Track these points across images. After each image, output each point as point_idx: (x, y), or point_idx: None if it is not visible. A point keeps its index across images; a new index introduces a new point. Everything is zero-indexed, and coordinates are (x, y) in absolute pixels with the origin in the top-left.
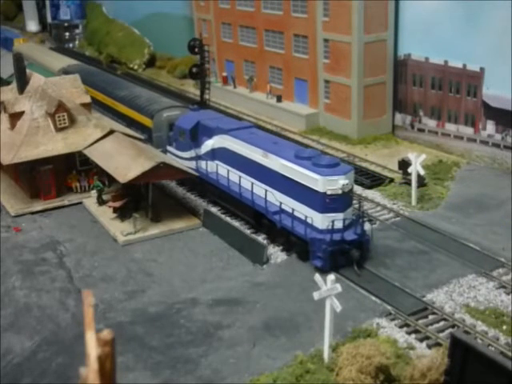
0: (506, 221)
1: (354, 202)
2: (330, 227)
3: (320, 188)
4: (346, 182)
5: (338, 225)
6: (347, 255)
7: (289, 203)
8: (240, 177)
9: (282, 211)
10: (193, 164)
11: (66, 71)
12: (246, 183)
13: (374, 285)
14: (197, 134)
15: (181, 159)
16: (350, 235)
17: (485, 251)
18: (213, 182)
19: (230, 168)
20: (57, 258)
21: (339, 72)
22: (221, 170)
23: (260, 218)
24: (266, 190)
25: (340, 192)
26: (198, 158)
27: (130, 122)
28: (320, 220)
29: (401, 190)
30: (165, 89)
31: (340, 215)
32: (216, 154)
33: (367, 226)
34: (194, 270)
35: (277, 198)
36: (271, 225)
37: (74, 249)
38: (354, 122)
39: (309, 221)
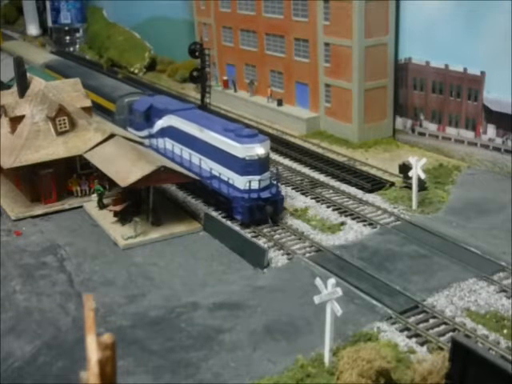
0: (507, 225)
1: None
2: (248, 187)
3: (240, 154)
4: (262, 149)
5: (255, 185)
6: (263, 210)
7: (217, 169)
8: (182, 149)
9: (212, 176)
10: (147, 142)
11: (47, 65)
12: (186, 154)
13: (375, 289)
14: (150, 116)
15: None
16: (265, 194)
17: (485, 255)
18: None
19: (174, 143)
20: (57, 261)
21: (340, 76)
22: (168, 145)
23: (197, 183)
24: (200, 159)
25: (256, 158)
26: (151, 136)
27: (98, 107)
28: (240, 181)
29: (401, 194)
30: (165, 92)
31: (257, 177)
32: (165, 132)
33: (282, 188)
34: (195, 273)
35: (208, 165)
36: (204, 188)
37: (75, 253)
38: (355, 126)
39: (231, 182)
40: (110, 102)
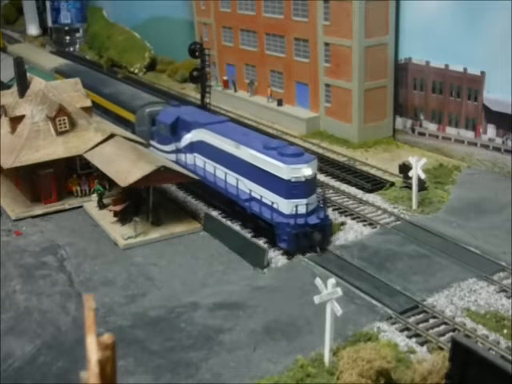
0: (507, 225)
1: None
2: (294, 212)
3: (285, 175)
4: (309, 170)
5: (302, 210)
6: (310, 238)
7: (257, 190)
8: (215, 167)
9: (251, 198)
10: (173, 157)
11: (57, 70)
12: (221, 173)
13: (375, 289)
14: (177, 129)
15: (162, 153)
16: (312, 219)
17: (485, 255)
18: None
19: (206, 159)
20: (57, 261)
21: (340, 76)
22: (198, 161)
23: (233, 206)
24: (238, 179)
25: (303, 179)
26: (178, 151)
27: (115, 118)
28: (285, 205)
29: (401, 194)
30: (165, 92)
31: (304, 201)
32: (194, 147)
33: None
34: (195, 273)
35: (247, 186)
36: (243, 211)
37: (75, 253)
38: (355, 126)
39: (275, 206)
40: (129, 112)
